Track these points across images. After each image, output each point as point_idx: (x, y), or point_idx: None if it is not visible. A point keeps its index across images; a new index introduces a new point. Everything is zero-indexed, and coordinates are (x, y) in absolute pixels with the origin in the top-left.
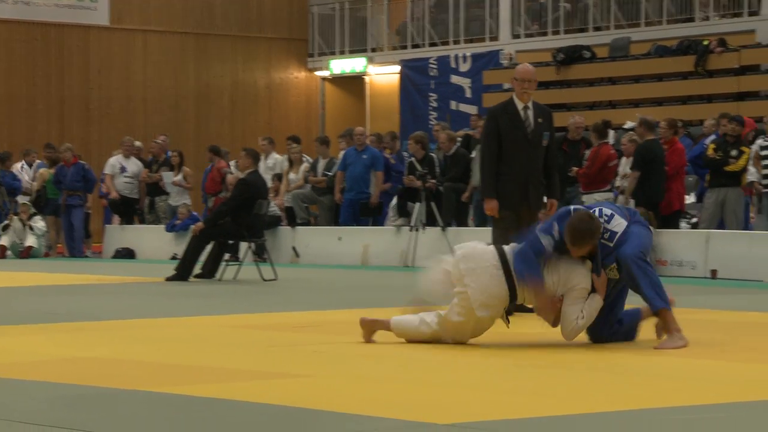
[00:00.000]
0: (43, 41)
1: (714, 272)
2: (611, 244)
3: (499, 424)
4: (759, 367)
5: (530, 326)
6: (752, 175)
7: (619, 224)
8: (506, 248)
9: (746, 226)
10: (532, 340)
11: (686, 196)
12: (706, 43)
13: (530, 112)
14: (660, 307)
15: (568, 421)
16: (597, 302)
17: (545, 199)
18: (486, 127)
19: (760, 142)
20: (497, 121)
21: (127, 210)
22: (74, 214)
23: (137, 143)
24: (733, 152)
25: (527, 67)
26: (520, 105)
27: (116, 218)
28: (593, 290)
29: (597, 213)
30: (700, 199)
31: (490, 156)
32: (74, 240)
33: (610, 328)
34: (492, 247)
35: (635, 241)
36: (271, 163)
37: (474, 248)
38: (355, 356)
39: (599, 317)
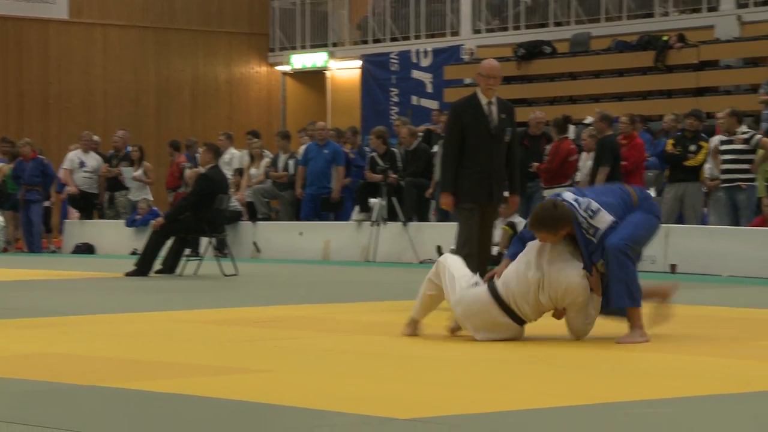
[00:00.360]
0: (2, 35)
1: (673, 267)
2: (595, 240)
3: (459, 419)
4: (717, 361)
5: None
6: (709, 170)
7: (603, 221)
8: (498, 282)
9: (703, 220)
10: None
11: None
12: (665, 38)
13: (494, 108)
14: (623, 305)
15: (525, 415)
16: (597, 301)
17: (506, 194)
18: (449, 121)
19: (719, 137)
20: (461, 116)
21: (87, 205)
22: (33, 210)
23: (96, 138)
24: (692, 147)
25: (493, 63)
26: (484, 100)
27: (74, 213)
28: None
29: (584, 206)
30: (660, 193)
31: (452, 150)
32: (33, 235)
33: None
34: (484, 290)
35: (625, 231)
36: (228, 158)
37: (463, 298)
38: (316, 351)
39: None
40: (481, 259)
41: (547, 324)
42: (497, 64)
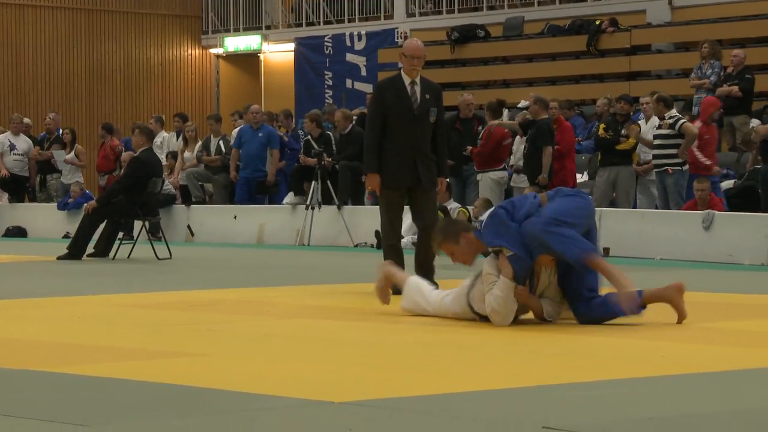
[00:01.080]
0: None
1: (606, 250)
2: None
3: (395, 402)
4: (650, 344)
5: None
6: (646, 154)
7: (485, 227)
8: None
9: (634, 204)
10: (438, 320)
11: (578, 175)
12: (598, 23)
13: (417, 88)
14: (580, 257)
15: (461, 398)
16: (503, 284)
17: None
18: (372, 101)
19: (652, 121)
20: (383, 96)
21: (18, 188)
22: None
23: (27, 120)
24: (623, 131)
25: (416, 43)
26: (407, 80)
27: (2, 196)
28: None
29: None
30: (593, 177)
31: (374, 130)
32: None
33: (587, 303)
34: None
35: (536, 218)
36: (159, 141)
37: (441, 306)
38: (251, 335)
39: (570, 295)
40: (422, 244)
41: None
42: (420, 43)
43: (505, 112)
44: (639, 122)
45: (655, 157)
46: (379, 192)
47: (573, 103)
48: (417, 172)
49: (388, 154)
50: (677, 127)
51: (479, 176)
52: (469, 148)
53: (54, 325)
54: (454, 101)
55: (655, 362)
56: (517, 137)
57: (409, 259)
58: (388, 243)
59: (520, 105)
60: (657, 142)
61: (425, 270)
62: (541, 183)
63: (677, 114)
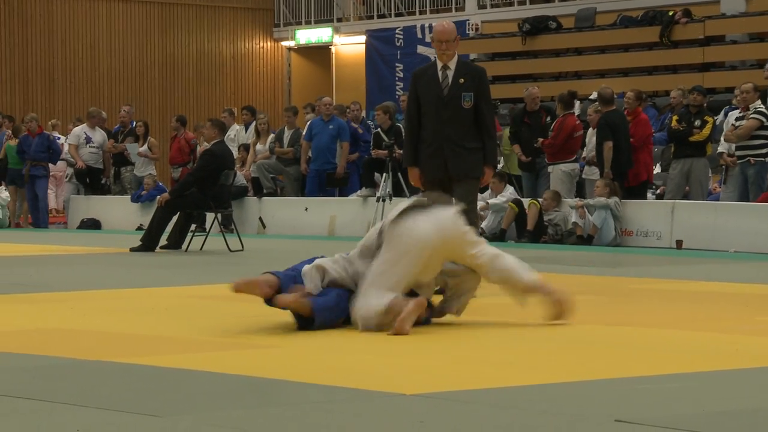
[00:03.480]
0: (6, 10)
1: (679, 242)
2: None
3: (465, 394)
4: (724, 337)
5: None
6: (722, 146)
7: None
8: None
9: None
10: (502, 316)
11: (653, 167)
12: (671, 13)
13: (450, 72)
14: None
15: (534, 390)
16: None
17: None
18: (409, 91)
19: (734, 113)
20: (416, 84)
21: (93, 180)
22: (39, 185)
23: (103, 114)
24: (697, 122)
25: (443, 26)
26: (440, 65)
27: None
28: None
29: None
30: (666, 169)
31: (409, 121)
32: (39, 210)
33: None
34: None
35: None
36: (233, 134)
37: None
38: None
39: None
40: None
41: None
42: (449, 26)
43: (577, 103)
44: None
45: (737, 148)
46: (421, 186)
47: (645, 94)
48: (446, 161)
49: (422, 145)
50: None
51: (550, 168)
52: (540, 140)
53: (126, 317)
54: (523, 93)
55: (727, 355)
56: (590, 129)
57: None
58: None
59: (591, 97)
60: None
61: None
62: (606, 178)
63: (762, 106)
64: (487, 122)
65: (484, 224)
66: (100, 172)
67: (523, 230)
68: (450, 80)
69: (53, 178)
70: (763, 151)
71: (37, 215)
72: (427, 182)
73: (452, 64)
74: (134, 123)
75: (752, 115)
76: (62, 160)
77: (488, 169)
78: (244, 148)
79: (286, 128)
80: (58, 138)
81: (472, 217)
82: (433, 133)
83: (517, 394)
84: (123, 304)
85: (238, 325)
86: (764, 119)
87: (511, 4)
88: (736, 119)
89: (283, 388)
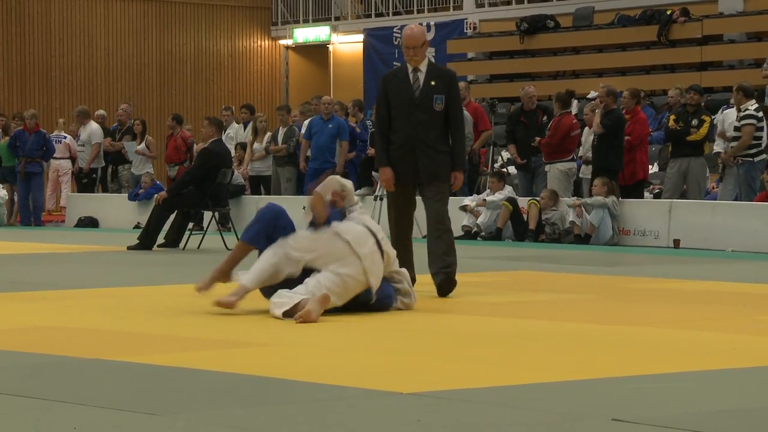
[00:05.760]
0: (4, 7)
1: (677, 242)
2: None
3: (462, 393)
4: (721, 337)
5: (504, 296)
6: (718, 145)
7: None
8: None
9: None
10: (504, 310)
11: (650, 166)
12: (669, 12)
13: (421, 75)
14: None
15: (532, 389)
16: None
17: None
18: (379, 93)
19: (730, 111)
20: (387, 86)
21: (82, 179)
22: (34, 182)
23: (101, 112)
24: (694, 122)
25: (411, 32)
26: (410, 68)
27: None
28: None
29: None
30: (663, 168)
31: (380, 123)
32: (34, 208)
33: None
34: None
35: None
36: (232, 132)
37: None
38: (318, 325)
39: None
40: (431, 241)
41: (534, 300)
42: (416, 31)
43: (574, 102)
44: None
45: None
46: (391, 187)
47: (643, 92)
48: (417, 164)
49: (392, 147)
50: (742, 123)
51: (547, 167)
52: (538, 139)
53: (124, 315)
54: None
55: (725, 355)
56: (585, 128)
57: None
58: (394, 241)
59: (589, 96)
60: (735, 134)
61: (441, 258)
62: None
63: (751, 108)
64: (457, 125)
65: (480, 221)
66: (92, 172)
67: (519, 229)
68: (421, 82)
69: (56, 175)
70: (752, 151)
71: (26, 213)
72: (398, 184)
73: (423, 67)
74: (132, 121)
75: (745, 122)
76: (69, 158)
77: (457, 174)
78: (242, 146)
79: (280, 127)
80: (65, 137)
81: (444, 219)
82: (405, 135)
83: (514, 392)
84: (120, 302)
85: (236, 324)
86: (755, 121)
87: (509, 3)
88: (738, 119)
89: (281, 386)
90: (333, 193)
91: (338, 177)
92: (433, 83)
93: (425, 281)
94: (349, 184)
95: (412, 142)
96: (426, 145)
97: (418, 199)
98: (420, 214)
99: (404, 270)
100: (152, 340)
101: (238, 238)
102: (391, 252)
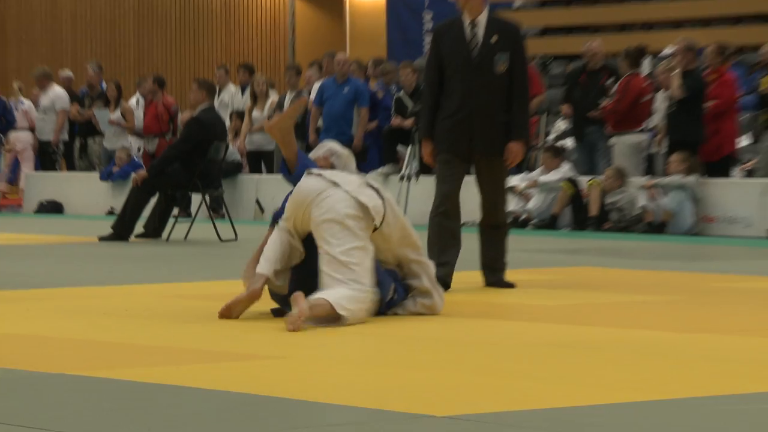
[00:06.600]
0: None
1: None
2: None
3: (508, 417)
4: None
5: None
6: None
7: None
8: None
9: None
10: (560, 315)
11: (739, 138)
12: None
13: (479, 30)
14: None
15: (592, 412)
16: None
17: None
18: (429, 51)
19: None
20: (439, 43)
21: (43, 155)
22: None
23: (66, 72)
24: None
25: None
26: (467, 21)
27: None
28: None
29: None
30: (757, 140)
31: (429, 86)
32: None
33: None
34: None
35: None
36: (227, 97)
37: None
38: (333, 333)
39: None
40: (485, 233)
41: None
42: None
43: (646, 61)
44: None
45: None
46: (432, 163)
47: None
48: (474, 135)
49: (441, 113)
50: None
51: (613, 140)
52: (602, 104)
53: (95, 321)
54: (581, 48)
55: None
56: (660, 92)
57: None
58: (433, 222)
59: (664, 53)
60: None
61: (492, 269)
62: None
63: None
64: (522, 89)
65: (531, 205)
66: (48, 145)
67: (580, 216)
68: (480, 39)
69: (13, 150)
70: None
71: None
72: (444, 160)
73: (481, 20)
74: (104, 84)
75: None
76: (28, 130)
77: (517, 145)
78: (238, 115)
79: (288, 92)
80: (23, 103)
81: (501, 202)
82: (460, 102)
83: (570, 416)
84: (90, 304)
85: (232, 331)
86: None
87: None
88: None
89: (290, 408)
90: (318, 158)
91: (332, 142)
92: (494, 40)
93: (466, 279)
94: (344, 151)
95: (467, 109)
96: (484, 114)
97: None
98: (468, 198)
99: (427, 260)
100: (129, 351)
101: (233, 227)
102: (404, 219)
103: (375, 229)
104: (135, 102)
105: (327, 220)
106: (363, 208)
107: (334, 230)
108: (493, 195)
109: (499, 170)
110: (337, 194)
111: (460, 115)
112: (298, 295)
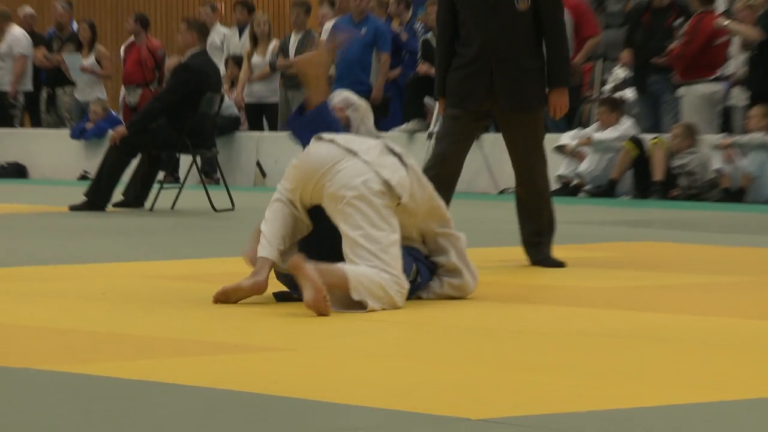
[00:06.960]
0: None
1: None
2: None
3: (557, 419)
4: None
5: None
6: None
7: None
8: None
9: None
10: (618, 299)
11: None
12: None
13: None
14: None
15: (654, 414)
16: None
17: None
18: None
19: None
20: None
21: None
22: None
23: (28, 9)
24: None
25: None
26: None
27: None
28: None
29: None
30: None
31: (442, 32)
32: None
33: None
34: None
35: None
36: (219, 41)
37: None
38: (349, 321)
39: None
40: (522, 202)
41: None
42: None
43: None
44: None
45: None
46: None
47: None
48: (493, 84)
49: (456, 62)
50: None
51: (681, 91)
52: (669, 47)
53: (67, 305)
54: None
55: None
56: (737, 36)
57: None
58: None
59: None
60: None
61: (534, 245)
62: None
63: None
64: (554, 26)
65: (583, 168)
66: (5, 97)
67: (645, 181)
68: None
69: None
70: None
71: None
72: (450, 116)
73: None
74: (75, 25)
75: None
76: None
77: (558, 92)
78: (235, 61)
79: (293, 33)
80: None
81: (538, 165)
82: (478, 48)
83: (630, 418)
84: (60, 287)
85: (231, 319)
86: None
87: None
88: None
89: (300, 408)
90: (334, 107)
91: (347, 92)
92: None
93: (506, 257)
94: (362, 103)
95: (486, 57)
96: (506, 61)
97: (494, 140)
98: (499, 162)
99: (456, 233)
100: (108, 342)
101: (229, 195)
102: (431, 188)
103: (398, 203)
104: (122, 51)
105: (346, 198)
106: (385, 183)
107: (356, 210)
108: (526, 157)
109: (533, 126)
110: (356, 166)
111: (475, 66)
112: (299, 260)
